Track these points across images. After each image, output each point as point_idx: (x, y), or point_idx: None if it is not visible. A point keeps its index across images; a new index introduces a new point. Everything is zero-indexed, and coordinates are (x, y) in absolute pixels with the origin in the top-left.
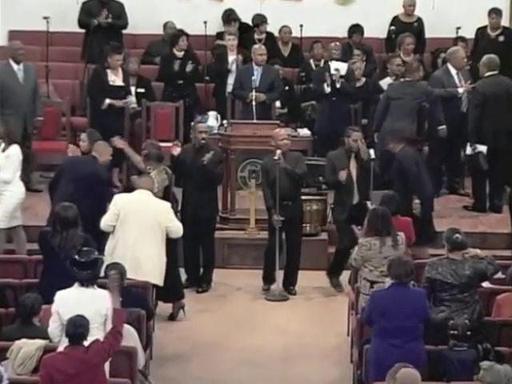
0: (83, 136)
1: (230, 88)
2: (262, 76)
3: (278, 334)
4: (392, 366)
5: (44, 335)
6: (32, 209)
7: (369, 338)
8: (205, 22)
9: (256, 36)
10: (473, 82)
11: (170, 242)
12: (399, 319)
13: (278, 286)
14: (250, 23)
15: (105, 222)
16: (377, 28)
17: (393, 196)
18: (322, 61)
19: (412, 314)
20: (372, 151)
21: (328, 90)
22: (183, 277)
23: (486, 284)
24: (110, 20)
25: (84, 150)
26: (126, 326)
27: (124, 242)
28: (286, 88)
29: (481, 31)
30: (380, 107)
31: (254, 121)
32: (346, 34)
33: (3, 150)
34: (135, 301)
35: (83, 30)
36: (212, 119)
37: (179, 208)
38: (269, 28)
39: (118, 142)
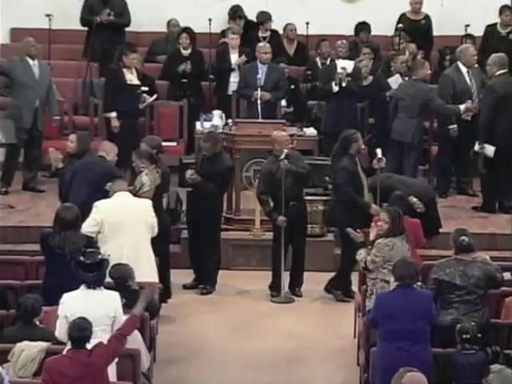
0: (72, 137)
1: (232, 86)
2: (266, 74)
3: (283, 336)
4: (399, 369)
5: (46, 337)
6: (34, 209)
7: (376, 340)
8: (209, 20)
9: (260, 34)
10: (484, 82)
11: (162, 243)
12: (405, 321)
13: (283, 287)
14: (255, 21)
15: (85, 229)
16: (384, 26)
17: (401, 196)
18: (329, 59)
19: (418, 316)
20: (379, 150)
21: (336, 88)
22: (191, 277)
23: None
24: (111, 18)
25: (72, 151)
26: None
27: (118, 244)
28: (292, 87)
29: (490, 28)
30: (390, 107)
31: (260, 120)
32: (352, 32)
33: None
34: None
35: (85, 28)
36: (217, 118)
37: (183, 208)
38: (274, 26)
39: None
